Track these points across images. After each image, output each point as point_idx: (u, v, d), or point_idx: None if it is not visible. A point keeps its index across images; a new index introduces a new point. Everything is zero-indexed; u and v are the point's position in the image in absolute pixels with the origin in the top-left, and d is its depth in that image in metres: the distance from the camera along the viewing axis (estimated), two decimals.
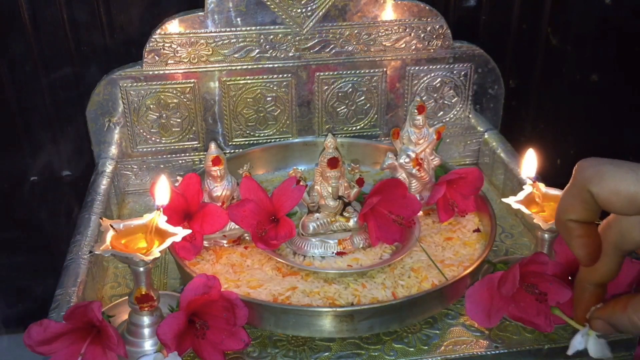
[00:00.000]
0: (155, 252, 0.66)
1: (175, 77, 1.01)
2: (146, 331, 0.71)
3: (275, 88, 1.04)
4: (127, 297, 0.72)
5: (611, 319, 0.56)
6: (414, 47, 1.05)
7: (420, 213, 0.91)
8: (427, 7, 1.02)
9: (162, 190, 0.73)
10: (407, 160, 0.90)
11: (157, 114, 1.03)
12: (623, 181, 0.50)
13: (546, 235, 0.77)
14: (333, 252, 0.83)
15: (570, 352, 0.70)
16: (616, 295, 0.58)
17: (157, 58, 0.99)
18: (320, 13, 1.00)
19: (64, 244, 0.84)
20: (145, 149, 1.05)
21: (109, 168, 1.00)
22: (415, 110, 0.90)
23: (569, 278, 0.74)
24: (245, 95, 1.04)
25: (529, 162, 0.81)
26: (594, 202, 0.52)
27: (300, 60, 1.03)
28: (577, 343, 0.70)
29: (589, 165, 0.52)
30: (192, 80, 1.01)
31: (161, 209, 0.70)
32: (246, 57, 1.01)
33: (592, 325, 0.59)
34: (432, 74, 1.07)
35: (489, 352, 0.72)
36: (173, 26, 0.97)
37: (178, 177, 0.85)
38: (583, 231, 0.55)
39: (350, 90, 1.07)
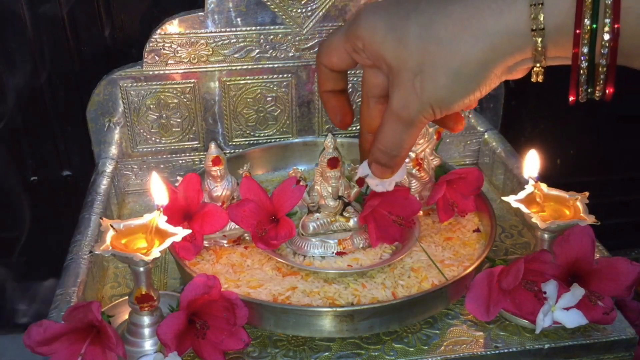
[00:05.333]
0: (155, 252, 0.66)
1: (175, 77, 1.01)
2: (146, 331, 0.71)
3: (275, 88, 1.04)
4: (127, 297, 0.72)
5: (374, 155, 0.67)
6: None
7: (420, 213, 0.91)
8: None
9: (158, 188, 0.73)
10: (407, 160, 0.90)
11: (157, 114, 1.03)
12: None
13: (546, 235, 0.77)
14: (333, 252, 0.83)
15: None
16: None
17: (157, 58, 0.99)
18: (320, 13, 1.00)
19: (64, 244, 0.84)
20: (145, 149, 1.05)
21: (109, 168, 1.00)
22: None
23: (568, 279, 0.74)
24: (245, 95, 1.04)
25: (531, 162, 0.81)
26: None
27: (300, 60, 1.03)
28: (540, 321, 0.71)
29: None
30: (192, 80, 1.01)
31: (161, 209, 0.70)
32: (246, 57, 1.01)
33: (372, 170, 0.69)
34: None
35: (489, 352, 0.72)
36: (173, 26, 0.97)
37: (178, 177, 0.85)
38: (335, 101, 0.71)
39: (350, 90, 1.06)
